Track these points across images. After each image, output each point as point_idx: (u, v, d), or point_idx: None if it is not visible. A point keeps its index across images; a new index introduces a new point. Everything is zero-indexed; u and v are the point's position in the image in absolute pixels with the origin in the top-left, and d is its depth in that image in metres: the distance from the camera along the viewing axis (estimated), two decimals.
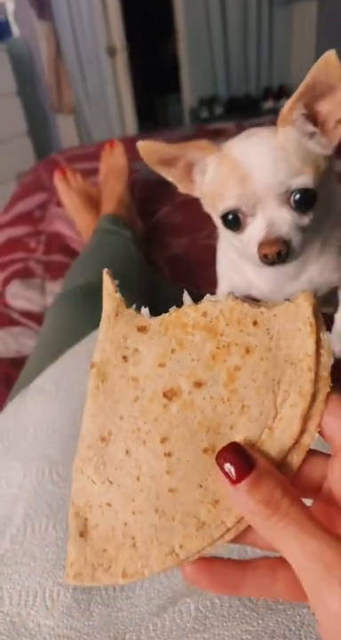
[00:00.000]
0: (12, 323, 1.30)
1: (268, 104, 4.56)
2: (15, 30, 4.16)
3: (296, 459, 0.32)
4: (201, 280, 0.94)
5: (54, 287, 1.41)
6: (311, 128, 0.68)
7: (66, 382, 0.80)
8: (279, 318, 0.33)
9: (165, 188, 1.69)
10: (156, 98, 5.11)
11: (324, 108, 0.68)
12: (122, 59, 4.14)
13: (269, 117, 2.35)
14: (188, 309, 0.34)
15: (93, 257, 1.28)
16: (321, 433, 0.32)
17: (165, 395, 0.33)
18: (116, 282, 0.37)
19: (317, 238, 0.77)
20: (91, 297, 1.02)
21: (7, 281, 1.45)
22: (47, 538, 0.59)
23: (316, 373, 0.32)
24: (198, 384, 0.33)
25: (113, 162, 1.69)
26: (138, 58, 4.48)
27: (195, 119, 4.52)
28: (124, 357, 0.34)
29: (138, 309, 0.35)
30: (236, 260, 0.87)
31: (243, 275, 0.87)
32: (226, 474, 0.30)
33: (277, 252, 0.67)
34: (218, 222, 0.74)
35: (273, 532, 0.28)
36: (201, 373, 0.33)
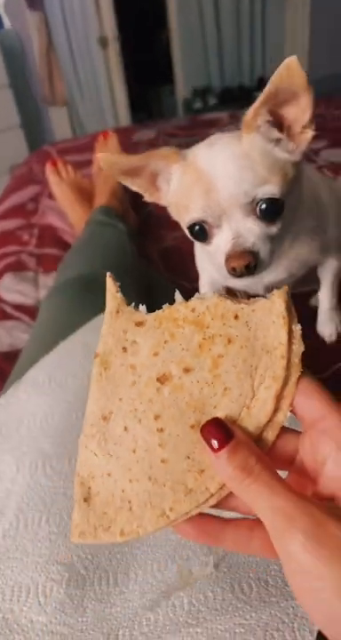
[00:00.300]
0: (5, 316, 1.29)
1: None
2: (6, 22, 4.12)
3: (271, 434, 0.37)
4: (193, 273, 0.94)
5: (47, 280, 1.41)
6: (276, 134, 0.65)
7: (59, 374, 0.79)
8: (257, 313, 0.38)
9: None
10: (149, 89, 5.08)
11: (289, 113, 0.65)
12: (114, 49, 4.11)
13: None
14: (179, 306, 0.40)
15: (87, 249, 1.27)
16: (293, 412, 0.37)
17: (158, 379, 0.38)
18: (118, 283, 0.42)
19: (286, 237, 0.75)
20: (85, 289, 1.01)
21: (0, 274, 1.44)
22: (40, 532, 0.58)
23: (288, 360, 0.37)
24: (187, 370, 0.38)
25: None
26: (131, 49, 4.45)
27: (189, 110, 4.50)
28: (124, 348, 0.39)
29: (136, 307, 0.41)
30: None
31: (220, 268, 0.86)
32: (210, 444, 0.35)
33: (245, 265, 0.65)
34: (186, 232, 0.71)
35: (247, 493, 0.33)
36: (189, 360, 0.38)
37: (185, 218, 0.68)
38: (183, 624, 0.47)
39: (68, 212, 1.58)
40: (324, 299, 0.93)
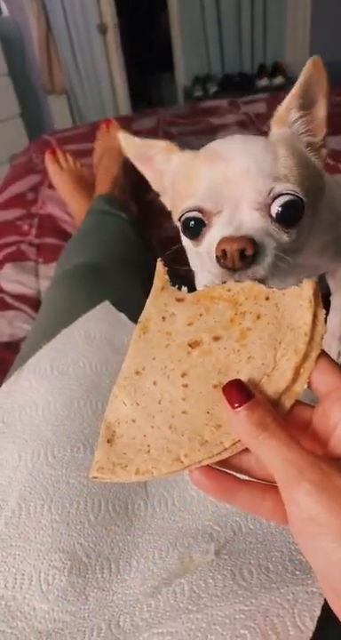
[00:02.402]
0: (6, 307, 1.29)
1: (262, 82, 4.51)
2: (4, 10, 4.08)
3: (287, 402, 0.39)
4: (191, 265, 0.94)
5: (47, 270, 1.40)
6: (309, 138, 0.61)
7: (61, 362, 0.79)
8: (286, 297, 0.42)
9: None
10: (149, 77, 5.05)
11: (318, 113, 0.61)
12: (113, 37, 4.08)
13: (264, 94, 2.33)
14: (217, 287, 0.45)
15: (91, 238, 1.27)
16: (309, 385, 0.39)
17: (190, 344, 0.42)
18: (166, 269, 0.47)
19: (300, 254, 0.64)
20: (89, 277, 1.01)
21: (0, 264, 1.44)
22: (42, 520, 0.59)
23: (311, 338, 0.40)
24: (216, 338, 0.42)
25: (109, 142, 1.67)
26: (131, 37, 4.42)
27: (189, 98, 4.47)
28: (163, 318, 0.44)
29: (179, 289, 0.46)
30: None
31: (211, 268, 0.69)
32: (230, 401, 0.37)
33: (239, 251, 0.53)
34: (178, 226, 0.63)
35: (261, 447, 0.36)
36: (220, 331, 0.42)
37: (179, 207, 0.61)
38: (184, 610, 0.48)
39: (68, 202, 1.58)
40: (334, 321, 0.84)
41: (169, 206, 0.72)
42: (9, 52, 3.72)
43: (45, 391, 0.75)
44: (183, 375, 0.41)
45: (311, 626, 0.44)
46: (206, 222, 0.58)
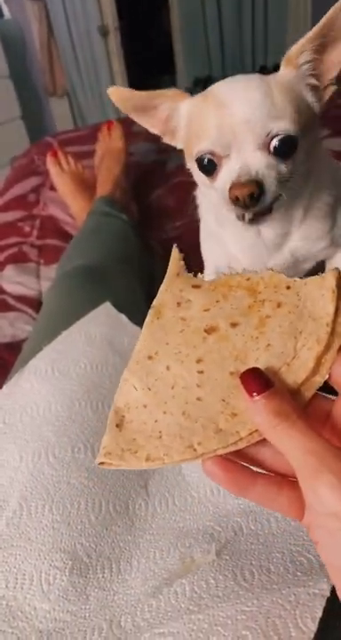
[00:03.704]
0: (8, 308, 1.29)
1: None
2: (6, 11, 4.09)
3: (307, 393, 0.38)
4: (194, 263, 0.94)
5: (49, 271, 1.41)
6: (313, 80, 0.66)
7: (62, 363, 0.79)
8: (308, 286, 0.41)
9: (159, 171, 1.68)
10: (151, 79, 5.05)
11: (331, 57, 0.65)
12: (114, 39, 4.08)
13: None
14: (236, 275, 0.44)
15: (92, 239, 1.27)
16: (329, 377, 0.38)
17: (206, 330, 0.41)
18: (182, 255, 0.46)
19: (299, 203, 0.75)
20: (89, 279, 1.01)
21: (2, 266, 1.44)
22: (43, 521, 0.59)
23: (333, 329, 0.38)
24: (234, 324, 0.41)
25: (110, 144, 1.67)
26: (132, 39, 4.42)
27: None
28: (178, 303, 0.43)
29: (195, 275, 0.45)
30: (217, 232, 0.86)
31: (224, 247, 0.86)
32: (248, 389, 0.36)
33: (249, 194, 0.63)
34: (194, 170, 0.71)
35: (280, 437, 0.35)
36: (237, 317, 0.41)
37: (194, 149, 0.68)
38: (185, 610, 0.48)
39: (69, 203, 1.58)
40: None
41: (179, 144, 0.76)
42: (10, 54, 3.72)
43: (46, 392, 0.75)
44: (198, 361, 0.40)
45: (312, 627, 0.44)
46: (217, 162, 0.66)
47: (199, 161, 0.68)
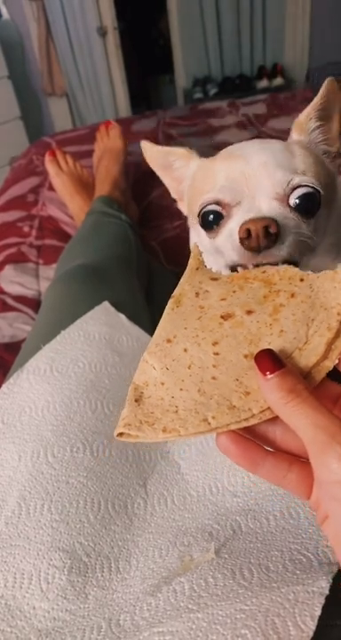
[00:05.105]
0: (7, 308, 1.29)
1: (262, 83, 4.52)
2: (4, 12, 4.09)
3: (317, 377, 0.39)
4: None
5: (48, 272, 1.41)
6: (325, 146, 0.63)
7: (61, 362, 0.79)
8: (321, 279, 0.43)
9: None
10: (149, 79, 5.05)
11: (333, 128, 0.64)
12: (113, 39, 4.09)
13: (263, 96, 2.33)
14: (252, 270, 0.46)
15: (91, 239, 1.27)
16: (339, 362, 0.40)
17: (222, 316, 0.43)
18: (202, 251, 0.49)
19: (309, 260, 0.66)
20: (89, 278, 1.01)
21: (1, 266, 1.44)
22: (42, 520, 0.59)
23: None
24: (249, 312, 0.43)
25: (109, 143, 1.67)
26: (131, 40, 4.42)
27: (189, 100, 4.48)
28: (197, 294, 0.46)
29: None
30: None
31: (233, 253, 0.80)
32: (261, 368, 0.38)
33: (264, 228, 0.54)
34: (197, 230, 0.65)
35: (292, 413, 0.36)
36: (253, 305, 0.43)
37: (198, 201, 0.63)
38: (184, 609, 0.48)
39: (68, 203, 1.58)
40: None
41: (185, 210, 0.73)
42: (9, 54, 3.73)
43: (45, 392, 0.75)
44: (214, 344, 0.42)
45: (312, 625, 0.44)
46: (224, 214, 0.60)
47: (203, 216, 0.62)
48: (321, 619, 0.44)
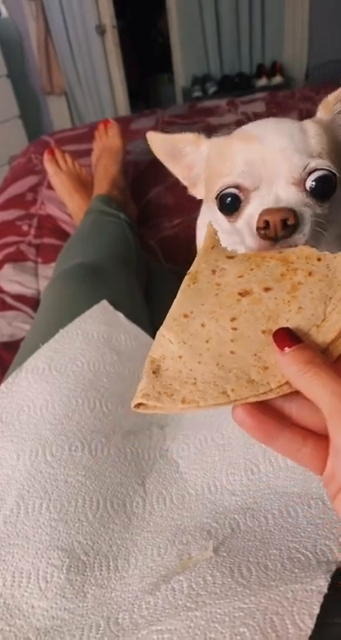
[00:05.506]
0: (6, 307, 1.29)
1: (261, 81, 4.51)
2: (3, 11, 4.08)
3: (335, 353, 0.39)
4: (192, 261, 0.94)
5: (47, 270, 1.40)
6: None
7: (59, 361, 0.79)
8: (338, 259, 0.44)
9: (157, 169, 1.68)
10: (148, 78, 5.05)
11: None
12: (112, 38, 4.08)
13: (262, 94, 2.33)
14: (269, 251, 0.47)
15: (90, 237, 1.26)
16: None
17: (240, 293, 0.43)
18: (217, 229, 0.49)
19: (326, 241, 0.67)
20: (88, 277, 1.01)
21: (0, 265, 1.44)
22: (41, 519, 0.59)
23: None
24: (267, 289, 0.43)
25: (108, 142, 1.66)
26: (129, 38, 4.42)
27: (188, 98, 4.47)
28: (213, 271, 0.46)
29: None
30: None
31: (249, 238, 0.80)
32: (279, 345, 0.38)
33: (282, 220, 0.56)
34: (214, 211, 0.66)
35: (310, 382, 0.36)
36: (271, 283, 0.43)
37: (216, 186, 0.63)
38: (182, 607, 0.48)
39: (67, 202, 1.57)
40: None
41: (200, 194, 0.73)
42: (8, 53, 3.72)
43: (43, 390, 0.75)
44: (232, 319, 0.42)
45: (310, 624, 0.44)
46: (243, 198, 0.61)
47: (221, 199, 0.63)
48: (319, 617, 0.44)
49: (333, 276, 0.43)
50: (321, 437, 0.39)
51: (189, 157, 0.71)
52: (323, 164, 0.58)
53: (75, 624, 0.50)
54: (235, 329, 0.41)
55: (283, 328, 0.39)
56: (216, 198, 0.64)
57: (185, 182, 0.75)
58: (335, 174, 0.59)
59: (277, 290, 0.43)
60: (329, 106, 0.65)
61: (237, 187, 0.62)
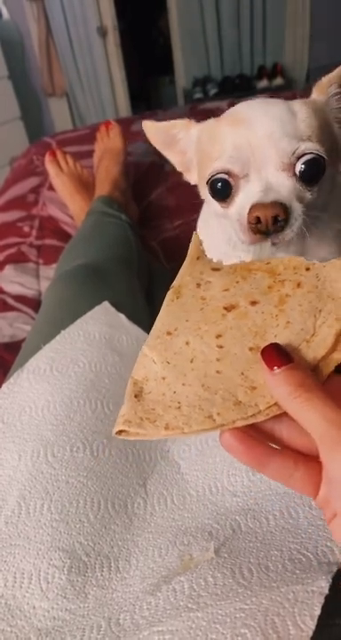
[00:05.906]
0: (7, 308, 1.29)
1: (262, 83, 4.51)
2: (5, 13, 4.09)
3: (325, 370, 0.38)
4: None
5: (48, 272, 1.41)
6: (339, 114, 0.63)
7: (61, 362, 0.79)
8: (327, 268, 0.42)
9: (158, 170, 1.68)
10: (149, 80, 5.05)
11: None
12: (113, 39, 4.08)
13: (263, 95, 2.33)
14: (255, 261, 0.45)
15: (92, 238, 1.27)
16: None
17: (225, 308, 0.42)
18: (202, 240, 0.48)
19: (317, 229, 0.69)
20: (89, 278, 1.01)
21: (1, 266, 1.44)
22: (42, 519, 0.59)
23: None
24: (253, 302, 0.41)
25: (109, 144, 1.67)
26: (131, 40, 4.42)
27: (189, 100, 4.47)
28: (198, 284, 0.44)
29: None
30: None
31: (240, 233, 0.80)
32: (268, 363, 0.37)
33: (273, 217, 0.56)
34: (206, 195, 0.66)
35: (301, 407, 0.35)
36: (257, 296, 0.42)
37: (207, 170, 0.63)
38: (184, 608, 0.48)
39: (68, 203, 1.58)
40: None
41: (194, 179, 0.73)
42: (9, 54, 3.72)
43: (45, 391, 0.75)
44: (217, 336, 0.40)
45: (311, 625, 0.44)
46: (233, 184, 0.61)
47: (212, 184, 0.63)
48: (320, 618, 0.44)
49: (322, 287, 0.41)
50: (311, 459, 0.37)
51: (182, 142, 0.72)
52: (312, 147, 0.58)
53: (77, 625, 0.50)
54: (221, 347, 0.39)
55: (272, 345, 0.38)
56: (207, 184, 0.64)
57: (179, 168, 0.75)
58: (323, 157, 0.59)
59: (264, 303, 0.41)
60: (323, 88, 0.64)
61: (227, 172, 0.61)
